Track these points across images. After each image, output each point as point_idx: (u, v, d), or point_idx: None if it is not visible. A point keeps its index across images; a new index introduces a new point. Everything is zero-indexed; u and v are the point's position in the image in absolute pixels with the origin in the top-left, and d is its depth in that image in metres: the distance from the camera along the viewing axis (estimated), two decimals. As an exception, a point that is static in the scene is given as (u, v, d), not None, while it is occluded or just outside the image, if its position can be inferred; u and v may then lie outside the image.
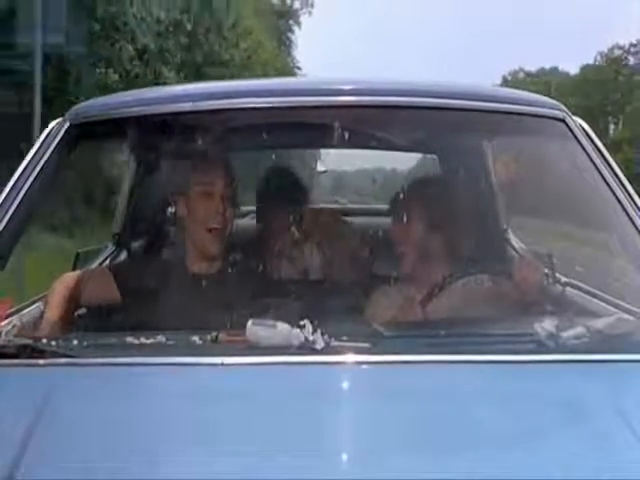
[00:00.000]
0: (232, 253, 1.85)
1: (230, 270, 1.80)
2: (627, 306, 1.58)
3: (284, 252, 2.23)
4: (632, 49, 35.29)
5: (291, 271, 2.19)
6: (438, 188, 1.94)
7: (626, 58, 35.80)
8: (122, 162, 2.23)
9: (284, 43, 28.93)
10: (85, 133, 1.69)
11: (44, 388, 1.19)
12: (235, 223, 1.85)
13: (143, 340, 1.30)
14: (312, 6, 30.48)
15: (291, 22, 30.55)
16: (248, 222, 2.81)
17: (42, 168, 1.59)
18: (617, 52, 36.43)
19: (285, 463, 1.01)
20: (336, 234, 2.25)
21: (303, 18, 30.93)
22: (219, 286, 1.75)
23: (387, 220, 2.26)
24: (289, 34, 30.11)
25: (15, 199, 1.55)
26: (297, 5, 30.90)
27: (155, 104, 1.69)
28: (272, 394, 1.17)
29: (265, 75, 15.92)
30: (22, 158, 1.62)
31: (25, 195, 1.56)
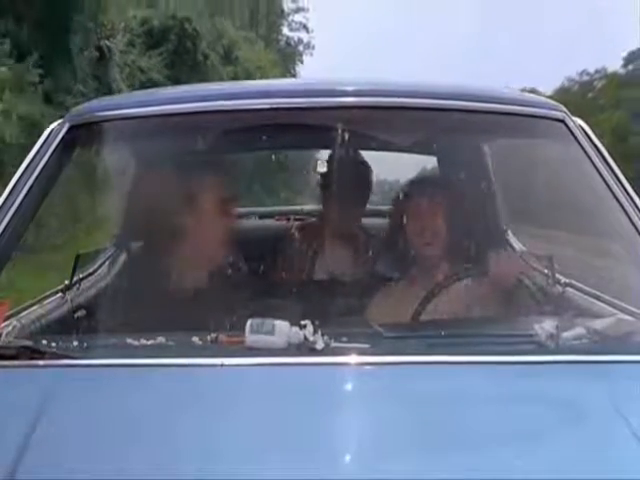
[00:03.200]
0: (233, 255, 1.84)
1: (231, 271, 1.79)
2: (627, 307, 1.58)
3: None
4: (596, 75, 36.32)
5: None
6: (441, 189, 1.94)
7: (591, 84, 36.76)
8: (122, 163, 2.21)
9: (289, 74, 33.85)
10: (85, 134, 1.69)
11: (44, 389, 1.19)
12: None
13: (143, 341, 1.30)
14: (313, 48, 36.35)
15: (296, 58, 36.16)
16: (247, 223, 2.82)
17: (41, 170, 1.58)
18: (585, 77, 37.66)
19: (285, 464, 1.01)
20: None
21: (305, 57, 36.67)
22: (220, 287, 1.74)
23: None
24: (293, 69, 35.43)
25: (14, 202, 1.53)
26: (301, 47, 36.74)
27: (156, 105, 1.68)
28: (272, 395, 1.17)
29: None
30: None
31: (24, 197, 1.54)
